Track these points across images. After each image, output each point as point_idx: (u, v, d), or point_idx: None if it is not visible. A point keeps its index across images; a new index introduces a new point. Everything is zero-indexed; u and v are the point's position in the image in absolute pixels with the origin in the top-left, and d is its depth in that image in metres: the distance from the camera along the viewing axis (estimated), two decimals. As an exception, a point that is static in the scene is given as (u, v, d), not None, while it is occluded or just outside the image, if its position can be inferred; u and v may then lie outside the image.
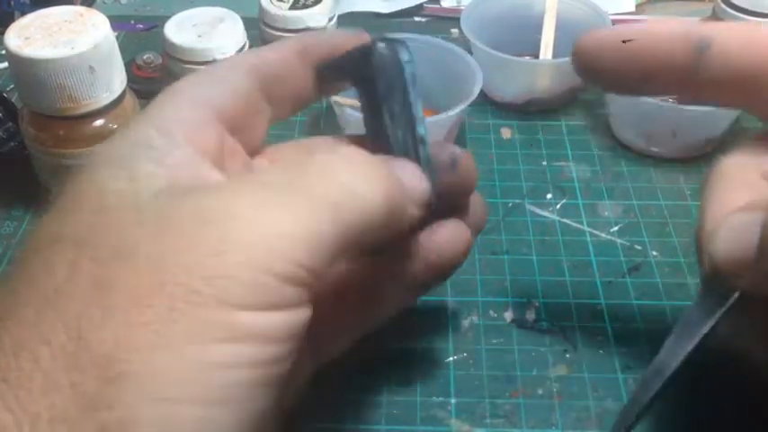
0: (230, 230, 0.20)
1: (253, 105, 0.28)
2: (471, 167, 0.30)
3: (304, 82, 0.29)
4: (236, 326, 0.19)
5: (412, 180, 0.26)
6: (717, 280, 0.24)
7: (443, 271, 0.30)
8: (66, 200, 0.23)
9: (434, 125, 0.45)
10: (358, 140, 0.30)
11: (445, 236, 0.29)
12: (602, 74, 0.28)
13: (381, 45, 0.27)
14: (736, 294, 0.24)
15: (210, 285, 0.19)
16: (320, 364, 0.30)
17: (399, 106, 0.27)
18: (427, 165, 0.27)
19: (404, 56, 0.27)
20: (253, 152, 0.29)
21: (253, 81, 0.28)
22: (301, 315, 0.21)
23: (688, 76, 0.27)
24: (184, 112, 0.25)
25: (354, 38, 0.29)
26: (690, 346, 0.25)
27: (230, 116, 0.27)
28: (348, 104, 0.45)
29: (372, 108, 0.28)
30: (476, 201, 0.32)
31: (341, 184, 0.22)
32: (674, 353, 0.25)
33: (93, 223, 0.21)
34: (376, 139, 0.28)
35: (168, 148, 0.24)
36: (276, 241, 0.20)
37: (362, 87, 0.28)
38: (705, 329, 0.24)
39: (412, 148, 0.27)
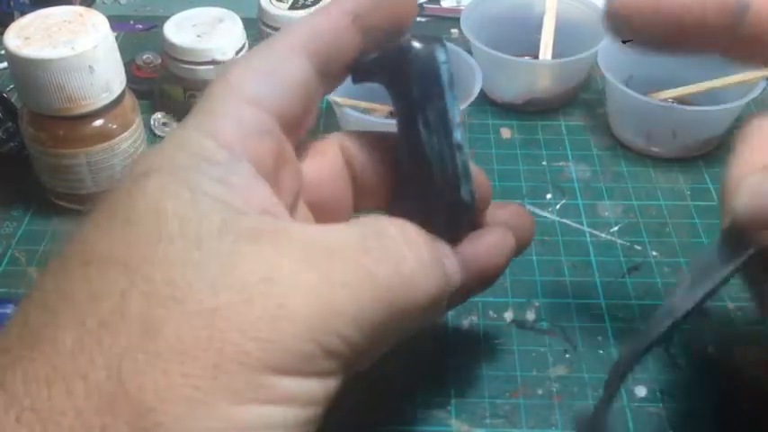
0: (291, 298, 0.20)
1: (311, 96, 0.26)
2: (485, 183, 0.30)
3: (355, 53, 0.26)
4: (277, 389, 0.19)
5: (453, 269, 0.26)
6: (736, 234, 0.24)
7: (487, 280, 0.29)
8: (117, 210, 0.21)
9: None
10: (384, 139, 0.29)
11: (488, 244, 0.29)
12: (639, 31, 0.28)
13: (417, 45, 0.25)
14: (752, 249, 0.24)
15: (261, 349, 0.19)
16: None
17: (435, 112, 0.26)
18: (465, 172, 0.27)
19: (441, 56, 0.25)
20: (298, 146, 0.27)
21: (311, 66, 0.25)
22: (336, 382, 0.21)
23: (726, 36, 0.26)
24: (244, 116, 0.23)
25: (406, 5, 0.27)
26: (702, 292, 0.25)
27: (289, 115, 0.25)
28: (348, 105, 0.45)
29: (406, 112, 0.26)
30: (520, 214, 0.31)
31: (403, 276, 0.22)
32: (687, 297, 0.25)
33: (150, 252, 0.20)
34: (410, 145, 0.27)
35: (231, 164, 0.22)
36: (333, 318, 0.20)
37: (396, 89, 0.27)
38: (719, 278, 0.25)
39: (448, 156, 0.26)
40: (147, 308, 0.19)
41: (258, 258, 0.20)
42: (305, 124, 0.27)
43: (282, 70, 0.25)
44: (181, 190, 0.21)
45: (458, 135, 0.26)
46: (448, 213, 0.27)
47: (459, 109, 0.26)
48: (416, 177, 0.27)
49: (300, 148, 0.28)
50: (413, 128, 0.26)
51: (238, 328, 0.19)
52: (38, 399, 0.18)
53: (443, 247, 0.26)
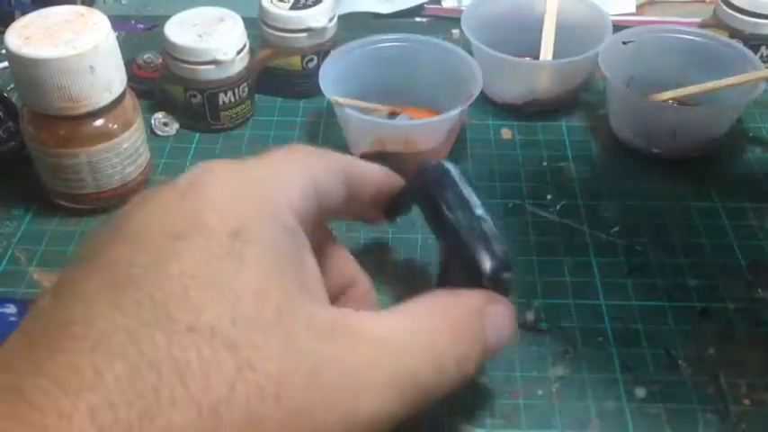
0: (362, 400, 0.22)
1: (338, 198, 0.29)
2: None
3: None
4: None
5: (504, 329, 0.27)
6: None
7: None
8: (216, 275, 0.21)
9: (435, 125, 0.45)
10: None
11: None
12: None
13: (424, 163, 0.32)
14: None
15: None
16: None
17: (453, 195, 0.30)
18: (493, 234, 0.29)
19: (448, 164, 0.32)
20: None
21: (343, 181, 0.29)
22: None
23: None
24: (300, 182, 0.26)
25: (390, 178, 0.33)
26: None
27: (326, 197, 0.27)
28: (348, 104, 0.45)
29: (434, 209, 0.31)
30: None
31: (445, 376, 0.24)
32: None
33: (253, 339, 0.21)
34: (444, 234, 0.31)
35: (304, 243, 0.24)
36: (386, 414, 0.22)
37: (423, 199, 0.32)
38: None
39: (476, 225, 0.29)
40: (251, 401, 0.20)
41: (334, 358, 0.21)
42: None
43: (334, 175, 0.28)
44: (273, 269, 0.22)
45: (479, 211, 0.30)
46: (486, 276, 0.29)
47: (475, 195, 0.31)
48: (456, 257, 0.30)
49: None
50: (441, 217, 0.30)
51: (312, 423, 0.20)
52: None
53: (494, 305, 0.27)
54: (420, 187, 0.32)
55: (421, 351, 0.23)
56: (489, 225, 0.29)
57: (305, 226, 0.25)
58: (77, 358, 0.19)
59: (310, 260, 0.24)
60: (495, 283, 0.28)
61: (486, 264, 0.28)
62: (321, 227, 0.30)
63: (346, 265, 0.32)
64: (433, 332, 0.24)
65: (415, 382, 0.23)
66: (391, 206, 0.34)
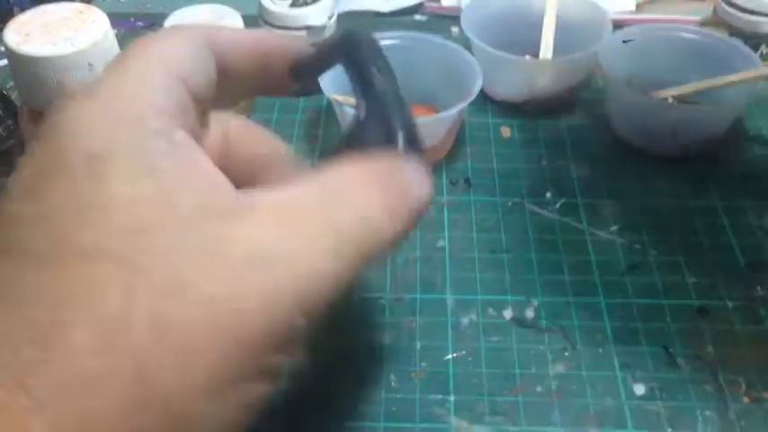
0: (279, 274, 0.20)
1: (209, 78, 0.26)
2: None
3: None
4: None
5: (423, 183, 0.25)
6: None
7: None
8: (82, 196, 0.20)
9: (435, 123, 0.45)
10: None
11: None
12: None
13: (353, 30, 0.29)
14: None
15: (248, 326, 0.19)
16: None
17: (384, 65, 0.29)
18: (409, 116, 0.28)
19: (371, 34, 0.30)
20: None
21: (209, 53, 0.26)
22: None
23: None
24: (173, 88, 0.23)
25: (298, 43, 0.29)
26: None
27: (196, 86, 0.25)
28: (348, 103, 0.45)
29: (361, 74, 0.29)
30: None
31: (368, 221, 0.22)
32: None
33: (141, 245, 0.20)
34: (368, 102, 0.29)
35: (172, 135, 0.22)
36: (312, 283, 0.20)
37: (348, 61, 0.29)
38: None
39: (399, 97, 0.28)
40: (154, 303, 0.19)
41: (241, 237, 0.20)
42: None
43: (198, 55, 0.25)
44: (137, 169, 0.21)
45: (395, 88, 0.28)
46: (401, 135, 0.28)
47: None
48: (373, 120, 0.29)
49: None
50: (369, 84, 0.28)
51: (235, 311, 0.19)
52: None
53: (408, 163, 0.26)
54: (349, 49, 0.29)
55: (346, 201, 0.22)
56: (407, 108, 0.29)
57: (181, 121, 0.23)
58: None
59: (192, 153, 0.22)
60: (411, 147, 0.28)
61: (400, 128, 0.27)
62: (209, 114, 0.27)
63: (255, 146, 0.30)
64: (345, 193, 0.23)
65: (344, 235, 0.21)
66: (299, 72, 0.30)
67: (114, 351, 0.18)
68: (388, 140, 0.27)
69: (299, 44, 0.29)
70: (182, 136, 0.22)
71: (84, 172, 0.21)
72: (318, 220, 0.21)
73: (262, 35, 0.28)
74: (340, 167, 0.23)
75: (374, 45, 0.29)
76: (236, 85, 0.27)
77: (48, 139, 0.22)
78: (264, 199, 0.22)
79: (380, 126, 0.28)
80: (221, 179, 0.22)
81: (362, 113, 0.29)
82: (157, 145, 0.21)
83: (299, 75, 0.30)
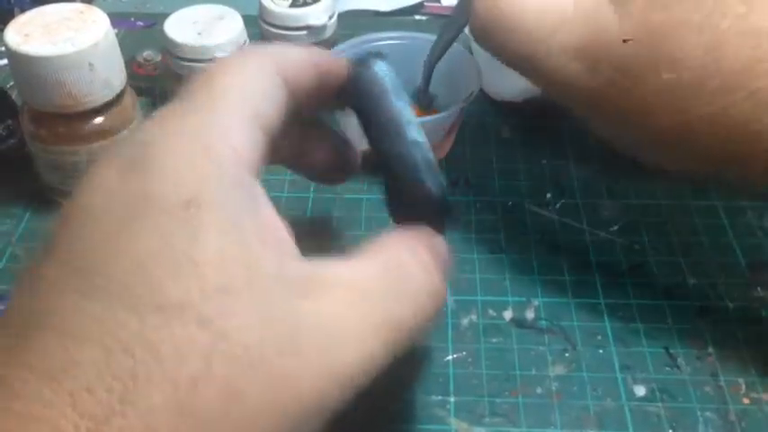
0: (339, 350, 0.21)
1: (282, 114, 0.26)
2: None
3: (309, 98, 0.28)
4: None
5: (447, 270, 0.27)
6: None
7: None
8: (175, 244, 0.20)
9: (434, 123, 0.45)
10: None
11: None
12: None
13: (357, 67, 0.28)
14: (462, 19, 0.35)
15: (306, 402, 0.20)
16: None
17: (384, 115, 0.27)
18: (427, 166, 0.27)
19: (379, 68, 0.28)
20: None
21: (284, 87, 0.26)
22: None
23: None
24: (256, 136, 0.23)
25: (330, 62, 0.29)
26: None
27: (272, 129, 0.25)
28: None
29: (365, 123, 0.28)
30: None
31: (421, 309, 0.24)
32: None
33: (225, 307, 0.20)
34: (377, 153, 0.28)
35: (255, 191, 0.22)
36: (366, 361, 0.22)
37: (355, 109, 0.29)
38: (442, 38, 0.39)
39: (406, 154, 0.27)
40: (230, 372, 0.19)
41: (312, 313, 0.21)
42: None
43: (274, 94, 0.25)
44: (230, 230, 0.21)
45: (413, 132, 0.27)
46: (424, 208, 0.28)
47: (410, 110, 0.28)
48: (393, 183, 0.28)
49: None
50: (372, 135, 0.28)
51: (296, 386, 0.20)
52: None
53: (442, 248, 0.27)
54: (353, 96, 0.28)
55: (397, 291, 0.23)
56: (422, 151, 0.27)
57: (255, 169, 0.23)
58: (51, 346, 0.19)
59: (267, 210, 0.23)
60: (436, 218, 0.28)
61: (426, 193, 0.27)
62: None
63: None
64: (406, 270, 0.24)
65: (396, 323, 0.23)
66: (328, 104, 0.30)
67: (185, 415, 0.19)
68: (427, 201, 0.27)
69: (343, 63, 0.29)
70: (259, 190, 0.23)
71: (179, 218, 0.21)
72: (383, 307, 0.23)
73: (318, 55, 0.28)
74: (397, 247, 0.25)
75: (373, 86, 0.28)
76: (298, 107, 0.27)
77: (133, 176, 0.22)
78: (335, 274, 0.23)
79: (418, 190, 0.28)
80: (288, 240, 0.23)
81: (383, 177, 0.29)
82: (241, 198, 0.22)
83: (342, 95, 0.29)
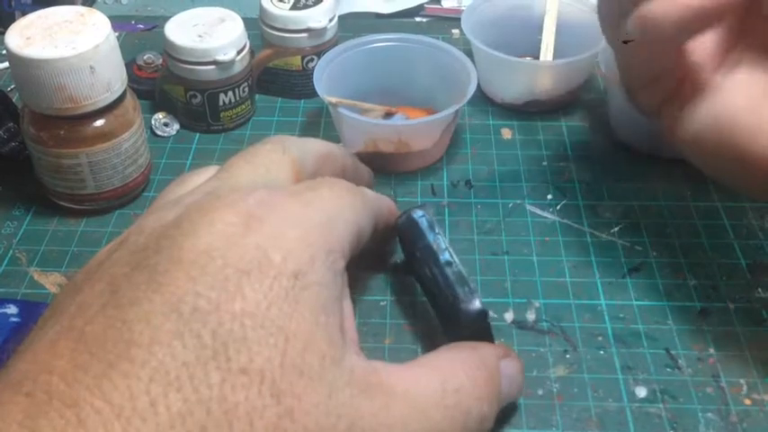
0: None
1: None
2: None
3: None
4: None
5: (514, 382, 0.30)
6: None
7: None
8: (272, 316, 0.22)
9: (428, 126, 0.45)
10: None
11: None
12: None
13: (402, 216, 0.36)
14: None
15: None
16: None
17: (421, 250, 0.34)
18: (460, 280, 0.33)
19: (416, 214, 0.35)
20: None
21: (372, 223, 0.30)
22: None
23: None
24: (349, 227, 0.27)
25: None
26: None
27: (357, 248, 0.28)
28: (342, 104, 0.45)
29: (412, 266, 0.36)
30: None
31: (465, 426, 0.26)
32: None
33: (297, 388, 0.21)
34: (423, 287, 0.36)
35: (345, 287, 0.25)
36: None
37: (403, 249, 0.37)
38: None
39: (440, 275, 0.33)
40: None
41: (370, 416, 0.22)
42: None
43: (370, 217, 0.30)
44: (322, 315, 0.23)
45: (446, 256, 0.33)
46: (471, 323, 0.32)
47: (444, 241, 0.34)
48: (443, 311, 0.34)
49: None
50: (414, 271, 0.36)
51: None
52: None
53: (496, 372, 0.28)
54: (400, 236, 0.36)
55: (449, 410, 0.24)
56: (455, 269, 0.33)
57: (345, 265, 0.26)
58: (135, 385, 0.19)
59: (348, 306, 0.25)
60: (484, 332, 0.32)
61: (463, 313, 0.32)
62: None
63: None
64: (460, 391, 0.25)
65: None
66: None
67: None
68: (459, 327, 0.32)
69: (394, 207, 0.36)
70: (347, 292, 0.26)
71: (283, 287, 0.22)
72: (437, 429, 0.24)
73: (388, 204, 0.35)
74: (454, 368, 0.26)
75: (410, 229, 0.35)
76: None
77: (252, 229, 0.23)
78: (396, 383, 0.24)
79: (446, 314, 0.34)
80: (356, 336, 0.26)
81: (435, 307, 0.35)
82: (336, 286, 0.24)
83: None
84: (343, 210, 0.27)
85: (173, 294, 0.21)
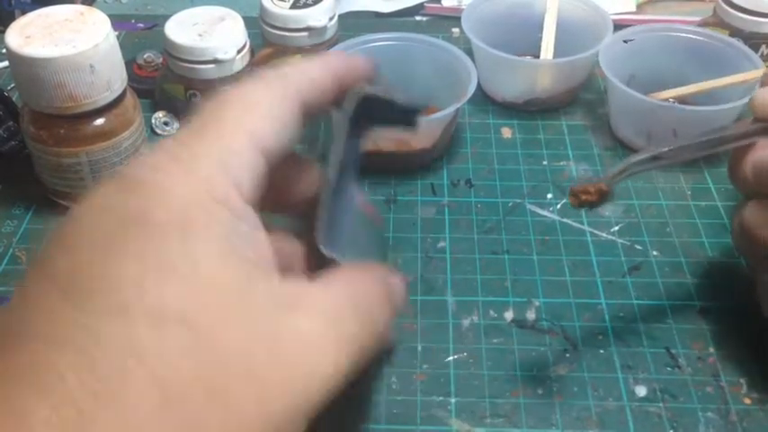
0: (318, 364, 0.23)
1: (293, 139, 0.27)
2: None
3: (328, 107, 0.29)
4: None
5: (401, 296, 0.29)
6: None
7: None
8: (171, 259, 0.21)
9: (427, 124, 0.45)
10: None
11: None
12: None
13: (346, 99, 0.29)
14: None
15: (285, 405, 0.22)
16: None
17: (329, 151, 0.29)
18: (329, 199, 0.28)
19: (337, 112, 0.29)
20: None
21: (302, 116, 0.27)
22: None
23: None
24: (258, 167, 0.24)
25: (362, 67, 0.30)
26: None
27: (276, 157, 0.26)
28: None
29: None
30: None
31: (379, 336, 0.26)
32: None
33: (216, 320, 0.21)
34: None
35: (250, 218, 0.24)
36: (338, 375, 0.24)
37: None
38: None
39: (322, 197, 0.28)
40: (217, 376, 0.20)
41: (293, 327, 0.23)
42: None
43: (286, 121, 0.26)
44: (227, 256, 0.22)
45: (329, 172, 0.28)
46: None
47: (341, 149, 0.29)
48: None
49: None
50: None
51: (279, 389, 0.22)
52: None
53: (397, 286, 0.29)
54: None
55: (362, 318, 0.25)
56: (327, 192, 0.28)
57: (257, 192, 0.25)
58: (38, 354, 0.20)
59: (261, 236, 0.24)
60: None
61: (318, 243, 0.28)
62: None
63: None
64: (370, 301, 0.26)
65: (358, 345, 0.25)
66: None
67: (171, 412, 0.19)
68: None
69: (362, 64, 0.30)
70: (257, 221, 0.24)
71: (175, 239, 0.22)
72: (351, 331, 0.25)
73: (336, 65, 0.29)
74: (363, 280, 0.27)
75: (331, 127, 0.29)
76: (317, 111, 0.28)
77: (132, 195, 0.23)
78: (313, 296, 0.25)
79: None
80: (273, 260, 0.25)
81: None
82: (240, 228, 0.23)
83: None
84: (234, 137, 0.24)
85: (64, 273, 0.22)
